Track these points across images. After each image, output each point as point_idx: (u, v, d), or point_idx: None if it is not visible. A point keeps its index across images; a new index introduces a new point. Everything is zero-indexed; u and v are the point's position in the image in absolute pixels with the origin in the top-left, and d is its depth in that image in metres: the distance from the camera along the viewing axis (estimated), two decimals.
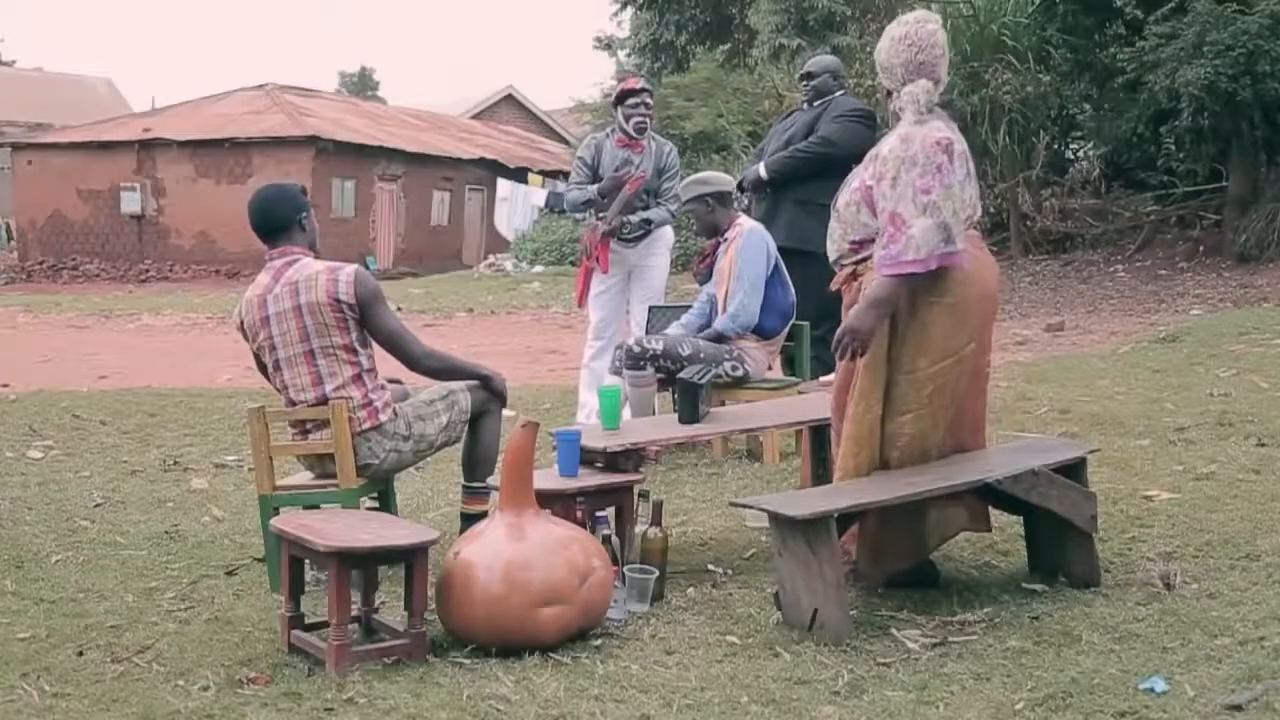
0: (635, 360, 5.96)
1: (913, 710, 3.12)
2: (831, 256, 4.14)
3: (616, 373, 6.10)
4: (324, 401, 4.18)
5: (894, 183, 3.79)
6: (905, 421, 3.91)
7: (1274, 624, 3.51)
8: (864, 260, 3.98)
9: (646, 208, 6.81)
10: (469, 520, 4.43)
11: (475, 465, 4.53)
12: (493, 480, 4.40)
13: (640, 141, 6.79)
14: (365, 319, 4.20)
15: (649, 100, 6.79)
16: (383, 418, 4.27)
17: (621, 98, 6.86)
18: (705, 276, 6.34)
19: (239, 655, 3.60)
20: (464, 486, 4.56)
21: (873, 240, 3.93)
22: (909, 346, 3.87)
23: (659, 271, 6.92)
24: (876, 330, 3.84)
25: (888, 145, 3.88)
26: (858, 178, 3.98)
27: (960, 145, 3.87)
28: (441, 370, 4.47)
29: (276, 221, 4.25)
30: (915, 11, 4.17)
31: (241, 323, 4.34)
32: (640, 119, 6.73)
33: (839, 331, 3.88)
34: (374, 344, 4.29)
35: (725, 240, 6.19)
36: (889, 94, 3.97)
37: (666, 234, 6.96)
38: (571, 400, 7.33)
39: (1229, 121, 12.95)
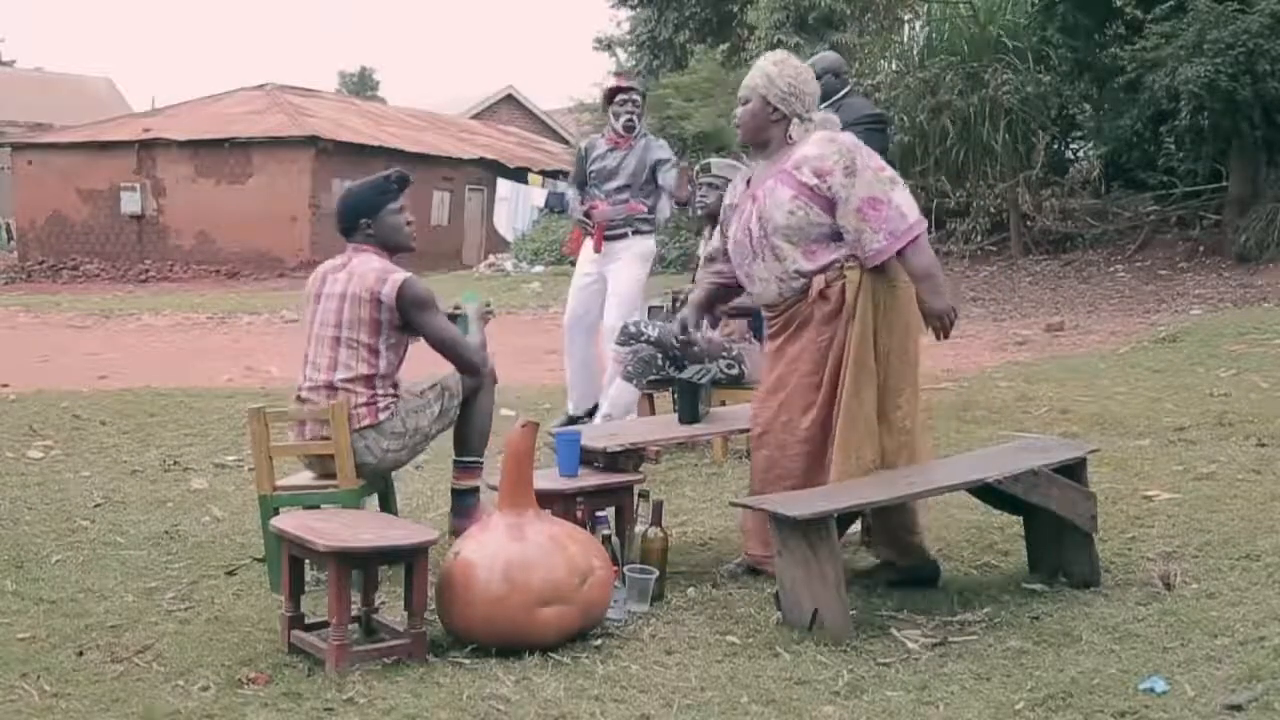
0: (628, 340, 6.04)
1: (913, 710, 3.12)
2: (774, 294, 4.07)
3: (628, 379, 6.09)
4: (331, 387, 4.24)
5: (848, 171, 3.89)
6: (902, 402, 3.97)
7: (1274, 624, 3.51)
8: (829, 267, 3.96)
9: (650, 210, 6.93)
10: (459, 496, 4.44)
11: (466, 440, 4.54)
12: (493, 480, 4.40)
13: (629, 139, 6.88)
14: (411, 325, 4.28)
15: (637, 98, 6.89)
16: (381, 416, 4.28)
17: (610, 96, 6.97)
18: None
19: (239, 655, 3.60)
20: (455, 461, 4.56)
21: (828, 244, 3.95)
22: (897, 331, 3.94)
23: (627, 275, 6.85)
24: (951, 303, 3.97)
25: (810, 148, 3.96)
26: (785, 189, 3.96)
27: None
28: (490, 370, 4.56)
29: (343, 225, 4.42)
30: (780, 50, 4.30)
31: (308, 290, 4.46)
32: (629, 116, 6.83)
33: (937, 316, 3.91)
34: (399, 357, 4.34)
35: None
36: (783, 118, 4.03)
37: (645, 244, 6.96)
38: None
39: (1229, 121, 12.94)
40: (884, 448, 3.96)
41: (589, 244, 6.96)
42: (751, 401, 4.37)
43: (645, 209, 6.88)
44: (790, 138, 4.03)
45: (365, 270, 4.28)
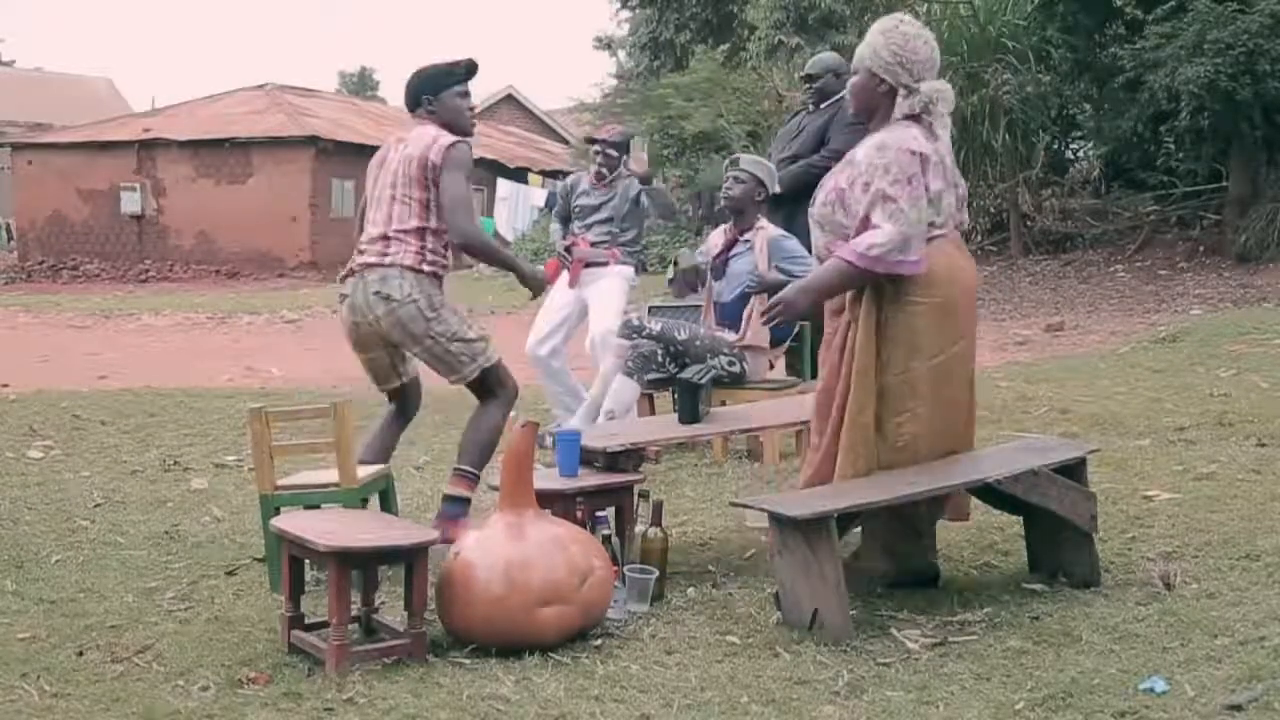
0: (630, 333, 6.04)
1: (913, 710, 3.12)
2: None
3: (629, 374, 6.09)
4: (385, 238, 4.47)
5: (865, 188, 3.86)
6: (903, 422, 3.91)
7: (1274, 624, 3.51)
8: None
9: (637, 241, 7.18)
10: (447, 500, 4.47)
11: (466, 447, 4.59)
12: (492, 480, 4.40)
13: (605, 184, 7.13)
14: (439, 179, 4.46)
15: (611, 152, 7.13)
16: (424, 267, 4.47)
17: (590, 143, 7.42)
18: (719, 273, 6.29)
19: (239, 655, 3.60)
20: (453, 466, 4.60)
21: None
22: (900, 348, 3.88)
23: (609, 291, 6.95)
24: (805, 309, 4.06)
25: (863, 150, 3.93)
26: (834, 179, 4.02)
27: (937, 155, 3.91)
28: (478, 250, 4.70)
29: (408, 100, 4.68)
30: (899, 13, 4.22)
31: (372, 165, 4.73)
32: (598, 168, 7.14)
33: (773, 298, 4.07)
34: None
35: (746, 241, 6.18)
36: (891, 90, 3.95)
37: (626, 269, 7.07)
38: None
39: (1229, 121, 12.93)
40: (880, 459, 3.94)
41: (565, 277, 7.07)
42: None
43: (619, 257, 7.02)
44: (897, 115, 3.94)
45: (421, 135, 4.53)
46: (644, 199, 7.04)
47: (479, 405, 4.63)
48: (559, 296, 7.08)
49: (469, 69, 4.65)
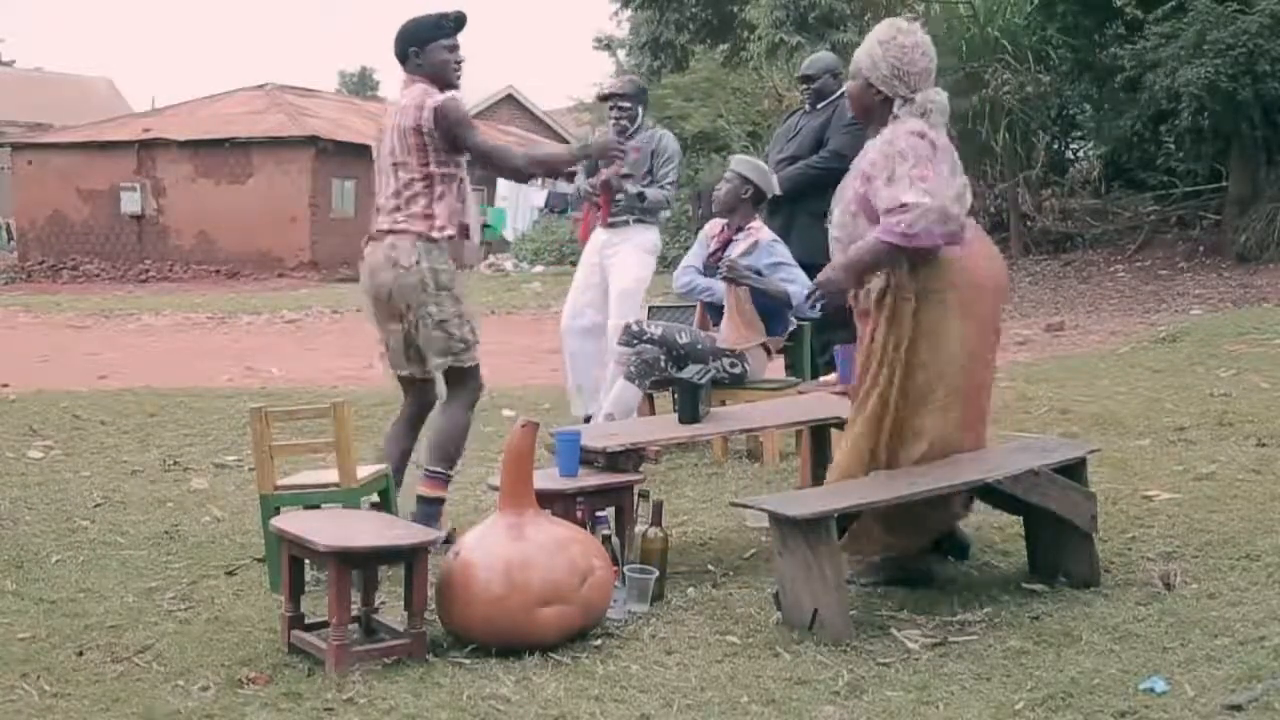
0: (631, 339, 6.01)
1: (913, 710, 3.12)
2: None
3: (630, 379, 6.07)
4: (396, 208, 4.50)
5: (889, 180, 3.85)
6: (927, 415, 3.92)
7: (1274, 624, 3.51)
8: None
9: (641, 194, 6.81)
10: (421, 503, 4.47)
11: (434, 449, 4.59)
12: (492, 480, 4.40)
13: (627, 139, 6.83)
14: (457, 144, 4.49)
15: (626, 104, 6.88)
16: (435, 234, 4.48)
17: (605, 101, 7.14)
18: (712, 270, 6.28)
19: (239, 655, 3.60)
20: (424, 469, 4.60)
21: None
22: (922, 343, 3.89)
23: (629, 271, 6.76)
24: (849, 289, 3.96)
25: (873, 152, 3.95)
26: (850, 189, 4.03)
27: (941, 140, 3.94)
28: (546, 165, 4.96)
29: (396, 52, 4.63)
30: (896, 19, 4.24)
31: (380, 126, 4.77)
32: (615, 121, 6.90)
33: (817, 279, 4.05)
34: (454, 184, 4.54)
35: (736, 241, 6.18)
36: (887, 99, 3.98)
37: (646, 236, 6.88)
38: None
39: (1229, 121, 12.95)
40: (910, 455, 3.95)
41: (595, 237, 6.92)
42: None
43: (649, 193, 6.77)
44: (895, 115, 3.97)
45: (408, 103, 4.51)
46: (656, 169, 6.78)
47: (443, 402, 4.64)
48: (584, 273, 6.94)
49: (457, 21, 4.59)
